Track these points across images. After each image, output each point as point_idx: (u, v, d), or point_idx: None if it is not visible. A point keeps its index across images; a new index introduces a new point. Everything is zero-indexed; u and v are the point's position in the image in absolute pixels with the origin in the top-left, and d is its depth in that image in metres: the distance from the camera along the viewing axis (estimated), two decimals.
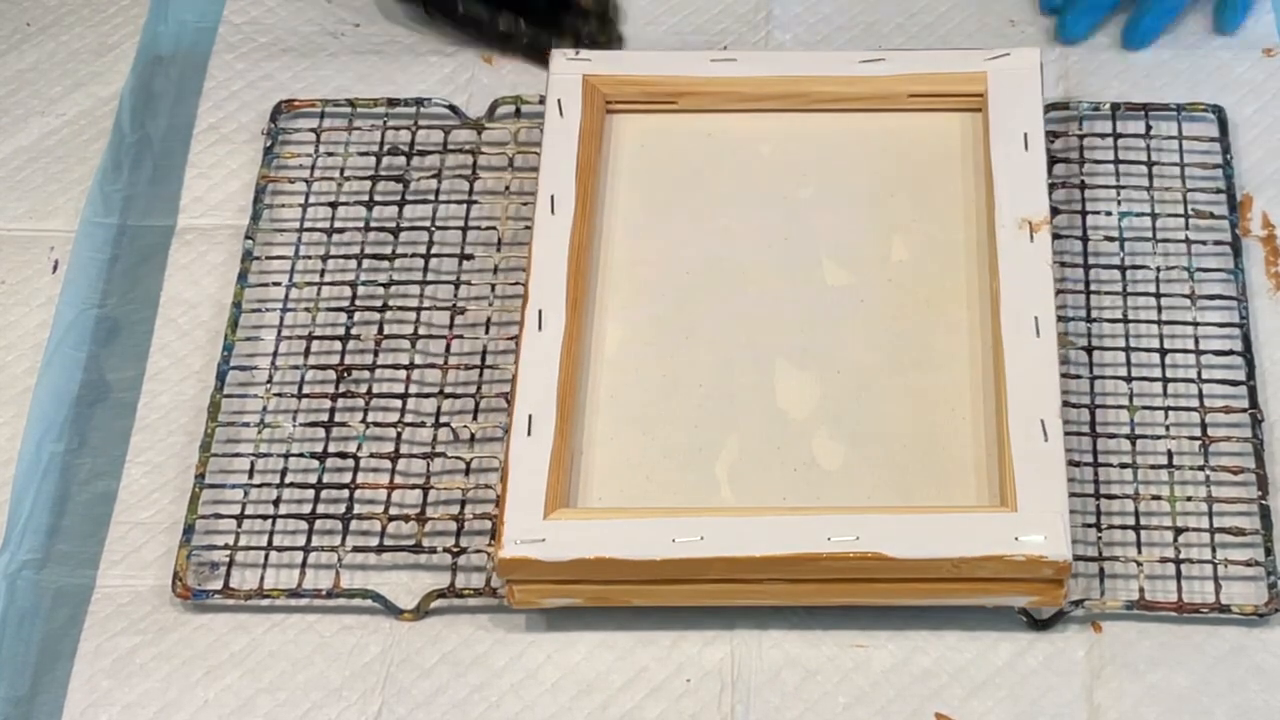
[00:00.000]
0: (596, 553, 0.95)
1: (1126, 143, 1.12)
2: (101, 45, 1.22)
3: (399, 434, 1.04)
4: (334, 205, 1.12)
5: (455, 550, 1.00)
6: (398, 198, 1.12)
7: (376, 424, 1.04)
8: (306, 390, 1.06)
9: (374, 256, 1.10)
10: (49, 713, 0.97)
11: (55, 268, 1.12)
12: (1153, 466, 1.01)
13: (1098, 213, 1.09)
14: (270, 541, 1.01)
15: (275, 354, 1.07)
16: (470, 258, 1.10)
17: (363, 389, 1.05)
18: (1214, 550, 0.99)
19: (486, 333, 1.07)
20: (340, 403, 1.05)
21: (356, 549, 1.01)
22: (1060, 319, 1.04)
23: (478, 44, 1.19)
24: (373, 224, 1.11)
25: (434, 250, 1.10)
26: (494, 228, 1.11)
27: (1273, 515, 0.99)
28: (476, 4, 1.18)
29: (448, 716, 0.97)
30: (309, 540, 1.01)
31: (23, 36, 1.23)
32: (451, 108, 1.16)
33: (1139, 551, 0.99)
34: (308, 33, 1.22)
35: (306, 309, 1.09)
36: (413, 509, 1.02)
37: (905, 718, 0.96)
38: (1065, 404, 1.01)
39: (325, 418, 1.04)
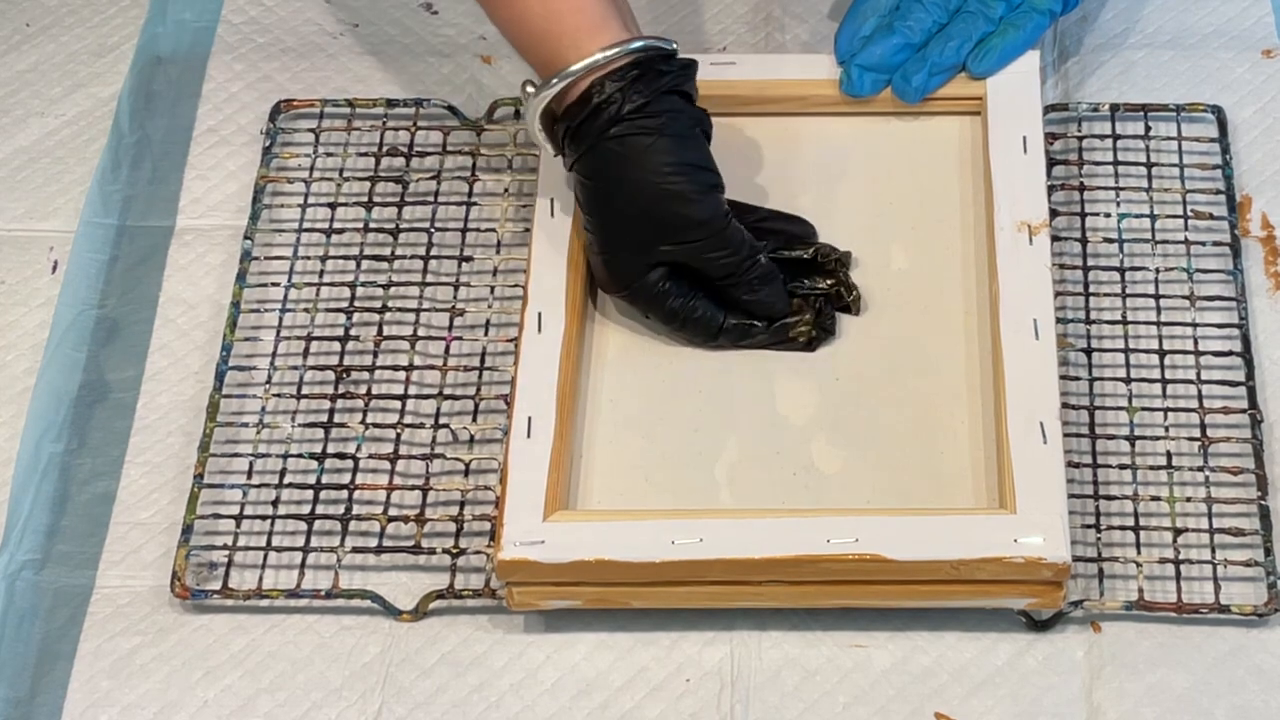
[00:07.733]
0: (596, 555, 0.95)
1: (1125, 144, 1.12)
2: (101, 46, 1.22)
3: (398, 435, 1.04)
4: (333, 206, 1.12)
5: (454, 551, 1.00)
6: (397, 199, 1.12)
7: (375, 425, 1.04)
8: (305, 391, 1.05)
9: (373, 258, 1.10)
10: (49, 713, 0.97)
11: (55, 268, 1.12)
12: (1152, 467, 1.01)
13: (1097, 214, 1.09)
14: (269, 542, 1.01)
15: (274, 354, 1.07)
16: (469, 259, 1.10)
17: (362, 390, 1.05)
18: (1213, 551, 0.99)
19: (486, 334, 1.07)
20: (339, 403, 1.05)
21: (355, 550, 1.01)
22: (1059, 321, 1.04)
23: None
24: (372, 225, 1.11)
25: (433, 252, 1.10)
26: (493, 230, 1.11)
27: (1272, 516, 0.99)
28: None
29: (447, 716, 0.97)
30: (308, 541, 1.01)
31: (23, 37, 1.23)
32: (450, 108, 1.16)
33: (1138, 552, 0.99)
34: (306, 33, 1.22)
35: (305, 310, 1.09)
36: (412, 510, 1.02)
37: (905, 717, 0.96)
38: (1064, 405, 1.01)
39: (324, 418, 1.04)
